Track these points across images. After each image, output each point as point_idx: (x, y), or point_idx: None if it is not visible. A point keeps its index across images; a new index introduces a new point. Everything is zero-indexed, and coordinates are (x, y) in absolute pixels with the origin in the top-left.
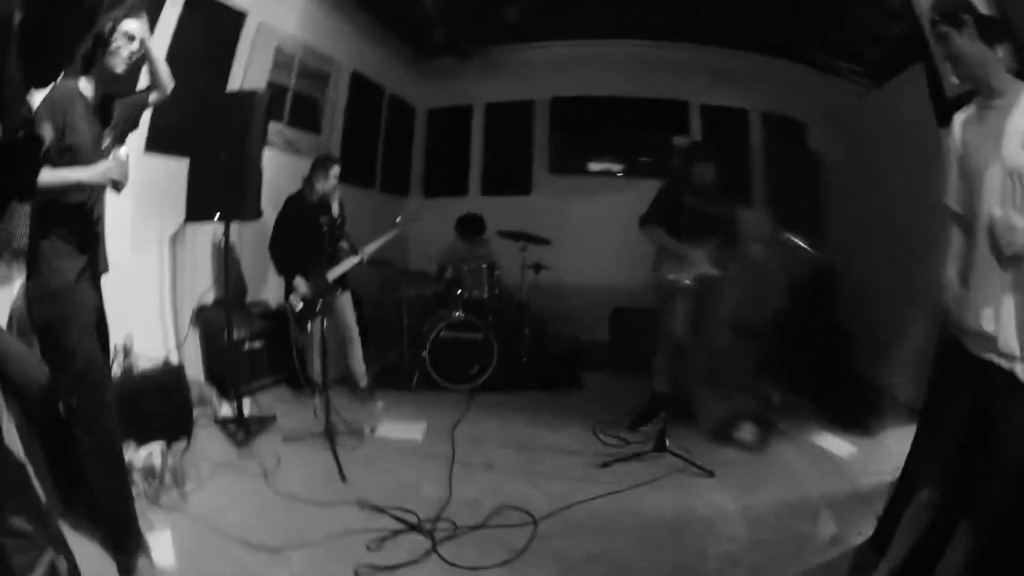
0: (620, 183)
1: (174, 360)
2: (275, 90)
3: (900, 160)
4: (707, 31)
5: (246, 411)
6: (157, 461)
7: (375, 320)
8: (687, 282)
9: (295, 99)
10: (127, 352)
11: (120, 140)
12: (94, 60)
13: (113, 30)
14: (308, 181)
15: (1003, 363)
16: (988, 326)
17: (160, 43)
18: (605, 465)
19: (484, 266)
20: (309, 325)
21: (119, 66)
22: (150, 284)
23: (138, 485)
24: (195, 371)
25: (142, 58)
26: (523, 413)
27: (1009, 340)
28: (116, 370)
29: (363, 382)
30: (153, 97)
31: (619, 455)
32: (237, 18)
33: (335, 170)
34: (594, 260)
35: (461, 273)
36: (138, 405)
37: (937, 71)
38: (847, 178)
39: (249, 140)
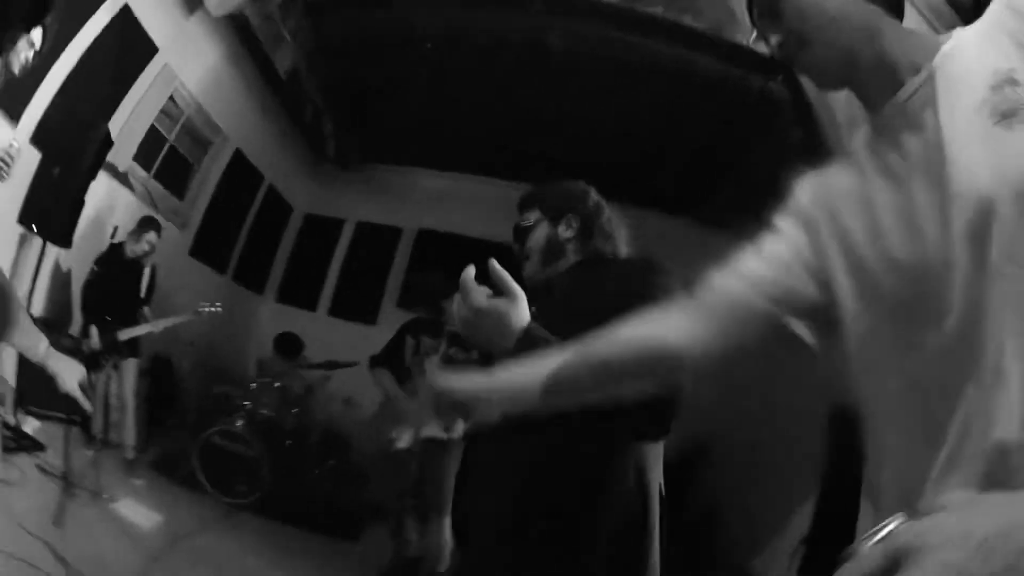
0: None
1: None
2: (151, 137)
3: None
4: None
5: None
6: None
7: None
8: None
9: (170, 153)
10: None
11: None
12: None
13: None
14: (128, 236)
15: None
16: None
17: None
18: None
19: (276, 385)
20: (94, 378)
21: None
22: None
23: None
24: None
25: None
26: (267, 550)
27: None
28: None
29: (130, 454)
30: None
31: None
32: (148, 52)
33: (151, 236)
34: None
35: (255, 386)
36: None
37: None
38: None
39: (77, 164)
